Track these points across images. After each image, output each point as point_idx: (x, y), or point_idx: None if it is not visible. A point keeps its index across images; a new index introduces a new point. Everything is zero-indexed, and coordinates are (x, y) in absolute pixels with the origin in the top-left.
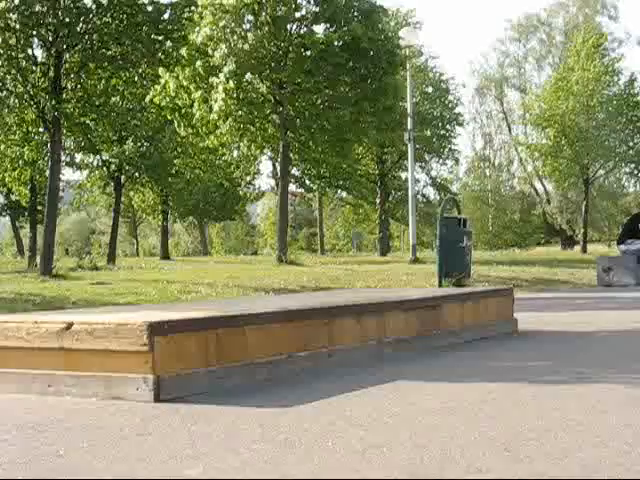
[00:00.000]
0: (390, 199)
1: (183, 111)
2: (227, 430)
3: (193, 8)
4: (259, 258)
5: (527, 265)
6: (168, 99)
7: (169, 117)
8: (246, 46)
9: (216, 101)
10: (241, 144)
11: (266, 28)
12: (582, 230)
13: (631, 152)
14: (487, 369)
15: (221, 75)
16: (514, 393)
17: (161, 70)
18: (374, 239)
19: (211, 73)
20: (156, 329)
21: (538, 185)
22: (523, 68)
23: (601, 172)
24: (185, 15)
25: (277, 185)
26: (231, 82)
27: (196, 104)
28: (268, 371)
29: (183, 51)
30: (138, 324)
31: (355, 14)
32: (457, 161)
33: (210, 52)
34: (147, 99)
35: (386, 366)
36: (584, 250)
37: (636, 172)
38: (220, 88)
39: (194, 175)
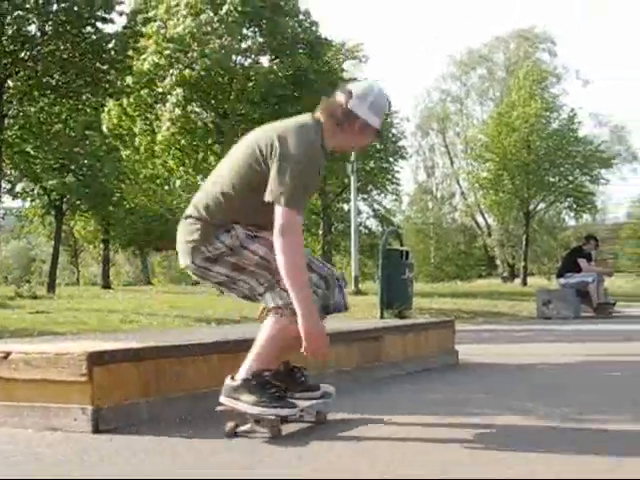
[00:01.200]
0: (333, 231)
1: (127, 139)
2: (166, 461)
3: (138, 38)
4: (201, 288)
5: (468, 297)
6: (112, 126)
7: (114, 142)
8: (193, 74)
9: (161, 129)
10: (184, 173)
11: (212, 57)
12: (522, 263)
13: (570, 187)
14: (428, 402)
15: (167, 104)
16: (451, 426)
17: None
18: None
19: (157, 101)
20: (95, 359)
21: (479, 218)
22: (465, 103)
23: (541, 206)
24: (130, 45)
25: None
26: (177, 110)
27: (138, 132)
28: (209, 402)
29: (129, 79)
30: (77, 354)
31: (301, 46)
32: (398, 195)
33: (156, 81)
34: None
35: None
36: (524, 283)
37: (575, 207)
38: (166, 116)
39: (136, 204)
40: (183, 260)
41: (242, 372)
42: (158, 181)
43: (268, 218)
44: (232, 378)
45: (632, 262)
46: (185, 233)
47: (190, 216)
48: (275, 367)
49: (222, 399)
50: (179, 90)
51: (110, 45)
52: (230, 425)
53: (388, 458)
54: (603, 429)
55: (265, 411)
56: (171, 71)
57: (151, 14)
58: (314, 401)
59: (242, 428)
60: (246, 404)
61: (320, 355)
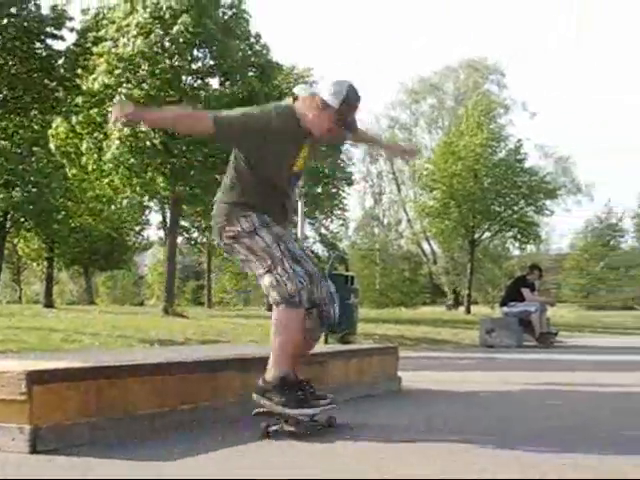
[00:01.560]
0: None
1: (74, 157)
2: None
3: (88, 56)
4: (145, 309)
5: (412, 324)
6: (59, 143)
7: (61, 160)
8: (142, 94)
9: (110, 148)
10: (131, 193)
11: (160, 77)
12: (467, 291)
13: (515, 216)
14: (369, 428)
15: (117, 123)
16: (392, 452)
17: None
18: (262, 294)
19: (106, 121)
20: (35, 378)
21: (425, 245)
22: (414, 131)
23: (487, 235)
24: (80, 63)
25: (166, 236)
26: (126, 130)
27: (86, 151)
28: (150, 424)
29: (79, 100)
30: (17, 372)
31: (251, 69)
32: (345, 220)
33: (106, 100)
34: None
35: (268, 422)
36: (468, 311)
37: (519, 237)
38: (115, 135)
39: (81, 223)
40: (215, 238)
41: (269, 375)
42: (104, 199)
43: (277, 201)
44: (263, 380)
45: (574, 292)
46: (215, 214)
47: (219, 199)
48: (294, 364)
49: (258, 399)
50: None
51: (59, 62)
52: (263, 425)
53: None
54: (532, 457)
55: (295, 412)
56: (119, 90)
57: (102, 33)
58: (326, 407)
59: (273, 428)
60: (279, 405)
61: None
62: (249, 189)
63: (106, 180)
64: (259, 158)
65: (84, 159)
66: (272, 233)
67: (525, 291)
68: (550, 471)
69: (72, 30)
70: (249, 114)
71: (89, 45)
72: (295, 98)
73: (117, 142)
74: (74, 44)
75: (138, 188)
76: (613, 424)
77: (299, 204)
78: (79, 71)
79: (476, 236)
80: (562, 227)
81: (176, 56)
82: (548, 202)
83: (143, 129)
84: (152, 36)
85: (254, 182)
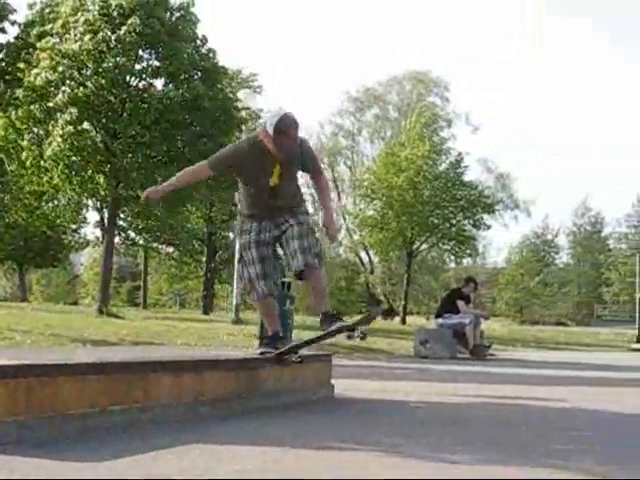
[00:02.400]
0: (216, 258)
1: (12, 152)
2: None
3: (31, 50)
4: (79, 308)
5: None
6: None
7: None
8: (86, 92)
9: (50, 145)
10: (70, 191)
11: (105, 76)
12: (402, 302)
13: (453, 230)
14: (301, 434)
15: (60, 121)
16: (323, 459)
17: None
18: (198, 297)
19: (47, 117)
20: None
21: (363, 254)
22: (357, 140)
23: (424, 246)
24: (22, 57)
25: (103, 236)
26: (70, 128)
27: (26, 147)
28: (80, 424)
29: (19, 92)
30: None
31: (196, 72)
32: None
33: (48, 96)
34: None
35: (200, 426)
36: (403, 321)
37: (456, 250)
38: (58, 132)
39: (16, 219)
40: None
41: (329, 306)
42: (44, 197)
43: (261, 208)
44: (326, 313)
45: (509, 306)
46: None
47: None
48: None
49: (335, 325)
50: (73, 109)
51: (0, 55)
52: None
53: None
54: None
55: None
56: (63, 88)
57: (47, 27)
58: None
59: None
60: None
61: None
62: (244, 201)
63: (45, 177)
64: (244, 179)
65: (24, 154)
66: (242, 243)
67: (460, 303)
68: (467, 472)
69: (14, 23)
70: (229, 150)
71: (32, 40)
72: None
73: (59, 139)
74: (16, 37)
75: (77, 187)
76: (534, 435)
77: (239, 207)
78: (21, 65)
79: (414, 247)
80: (500, 242)
81: (121, 55)
82: (485, 216)
83: (86, 127)
84: (100, 34)
85: (246, 196)
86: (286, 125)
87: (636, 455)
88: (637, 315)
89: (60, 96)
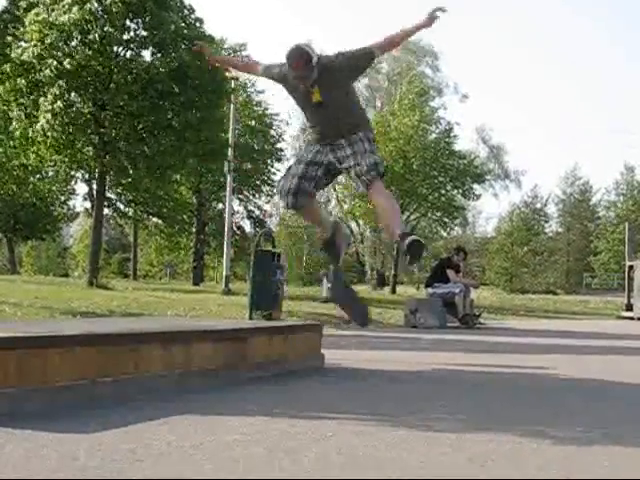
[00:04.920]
0: (206, 229)
1: (1, 124)
2: (23, 455)
3: (18, 25)
4: (69, 280)
5: None
6: None
7: None
8: (74, 64)
9: (39, 119)
10: (59, 163)
11: (92, 47)
12: (393, 272)
13: (443, 199)
14: (291, 404)
15: (49, 95)
16: (315, 428)
17: None
18: (188, 268)
19: (35, 90)
20: None
21: (353, 225)
22: None
23: (414, 216)
24: (10, 30)
25: (92, 207)
26: (60, 102)
27: (14, 120)
28: (71, 396)
29: (7, 67)
30: None
31: (184, 42)
32: (271, 196)
33: (36, 69)
34: None
35: (191, 397)
36: (393, 291)
37: (446, 219)
38: (46, 107)
39: (5, 191)
40: None
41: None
42: (30, 169)
43: (315, 125)
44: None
45: (498, 275)
46: None
47: None
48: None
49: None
50: (61, 82)
51: None
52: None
53: (246, 456)
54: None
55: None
56: (50, 61)
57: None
58: None
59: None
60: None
61: None
62: (308, 127)
63: (33, 149)
64: (293, 98)
65: (14, 125)
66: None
67: (450, 272)
68: (456, 442)
69: None
70: (274, 63)
71: (20, 12)
72: None
73: (48, 115)
74: (3, 10)
75: (66, 159)
76: (522, 403)
77: (228, 178)
78: (9, 39)
79: (404, 217)
80: (489, 210)
81: (108, 25)
82: (475, 186)
83: (75, 98)
84: (87, 6)
85: (305, 120)
86: (288, 58)
87: (622, 419)
88: (626, 283)
89: (47, 71)
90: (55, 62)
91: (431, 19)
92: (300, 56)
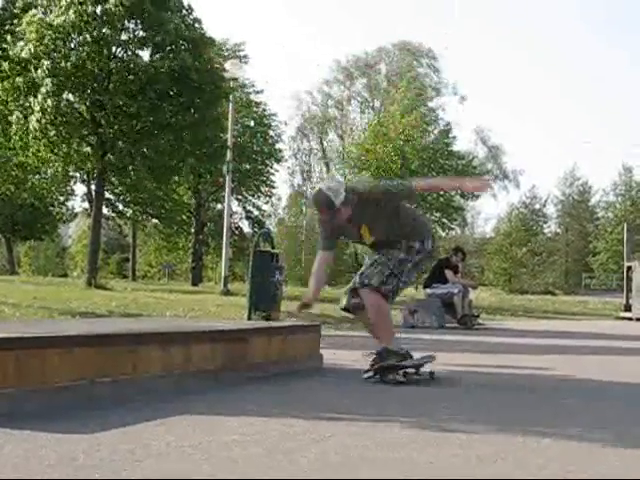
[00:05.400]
0: (205, 230)
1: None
2: (22, 455)
3: (16, 22)
4: (68, 280)
5: (336, 303)
6: None
7: None
8: (68, 65)
9: (32, 120)
10: (57, 163)
11: (89, 48)
12: None
13: (441, 200)
14: (290, 404)
15: (39, 95)
16: (314, 429)
17: None
18: (187, 268)
19: (31, 90)
20: None
21: None
22: (346, 110)
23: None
24: (7, 29)
25: (91, 207)
26: (49, 101)
27: (14, 119)
28: (69, 396)
29: (5, 65)
30: None
31: (183, 43)
32: (271, 197)
33: (32, 69)
34: None
35: (190, 397)
36: None
37: (444, 220)
38: (37, 107)
39: (3, 191)
40: None
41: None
42: (30, 169)
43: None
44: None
45: (497, 276)
46: None
47: None
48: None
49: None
50: (48, 80)
51: None
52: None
53: (246, 457)
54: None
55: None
56: (42, 61)
57: None
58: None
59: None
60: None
61: None
62: None
63: (31, 149)
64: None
65: (12, 127)
66: None
67: (449, 273)
68: (462, 442)
69: None
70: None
71: (17, 11)
72: None
73: (39, 114)
74: (1, 9)
75: (63, 159)
76: (521, 403)
77: (227, 179)
78: (7, 37)
79: None
80: (488, 211)
81: (107, 26)
82: None
83: (71, 98)
84: (83, 7)
85: None
86: (313, 205)
87: (621, 419)
88: (624, 283)
89: (39, 70)
90: (47, 62)
91: (484, 186)
92: (322, 203)
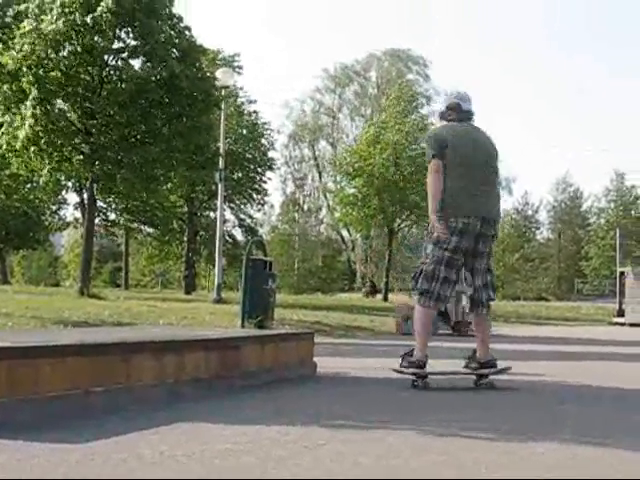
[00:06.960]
0: (198, 238)
1: None
2: (14, 465)
3: (7, 30)
4: (61, 290)
5: (329, 310)
6: None
7: None
8: (59, 73)
9: (22, 127)
10: (47, 172)
11: (80, 57)
12: (384, 279)
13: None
14: (283, 412)
15: (28, 102)
16: (307, 436)
17: None
18: (180, 277)
19: (20, 98)
20: None
21: (345, 232)
22: (337, 117)
23: (406, 224)
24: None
25: (83, 216)
26: (38, 109)
27: (4, 128)
28: (62, 406)
29: None
30: None
31: (173, 51)
32: (263, 205)
33: (21, 77)
34: None
35: (183, 406)
36: (385, 298)
37: None
38: (28, 113)
39: None
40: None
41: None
42: (20, 178)
43: None
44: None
45: None
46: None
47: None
48: None
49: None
50: (34, 88)
51: None
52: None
53: (229, 467)
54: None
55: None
56: (33, 70)
57: (22, 7)
58: None
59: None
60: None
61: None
62: None
63: (21, 159)
64: None
65: (1, 133)
66: None
67: None
68: (446, 453)
69: None
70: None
71: (9, 20)
72: None
73: (30, 120)
74: None
75: (53, 168)
76: (511, 409)
77: (219, 187)
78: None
79: (395, 225)
80: None
81: (98, 35)
82: None
83: (62, 106)
84: (74, 16)
85: None
86: None
87: (616, 424)
88: (617, 289)
89: (24, 79)
90: (34, 70)
91: None
92: None
